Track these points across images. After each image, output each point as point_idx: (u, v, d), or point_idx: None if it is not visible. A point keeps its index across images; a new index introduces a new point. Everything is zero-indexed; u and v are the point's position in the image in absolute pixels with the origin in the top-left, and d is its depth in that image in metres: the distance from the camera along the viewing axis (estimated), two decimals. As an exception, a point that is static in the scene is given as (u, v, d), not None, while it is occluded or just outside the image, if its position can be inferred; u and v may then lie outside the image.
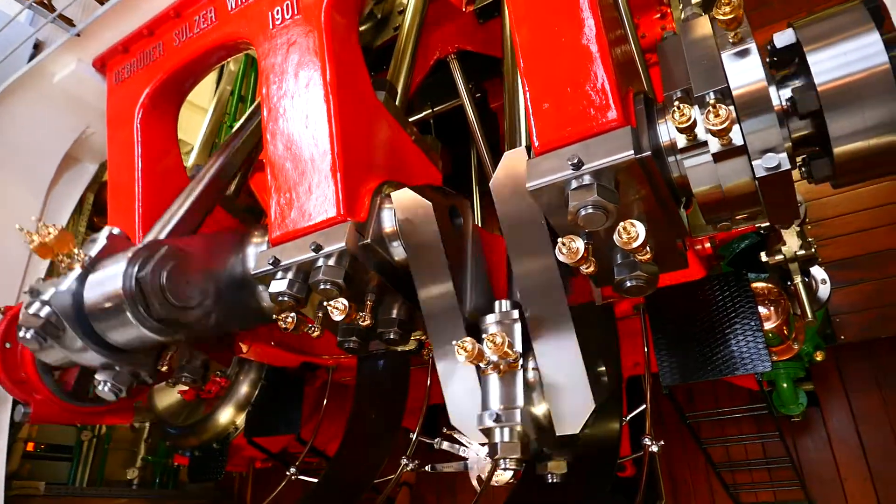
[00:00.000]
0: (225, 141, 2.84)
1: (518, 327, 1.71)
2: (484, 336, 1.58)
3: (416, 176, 2.33)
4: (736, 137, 1.31)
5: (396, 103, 2.65)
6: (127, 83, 2.69)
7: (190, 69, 2.60)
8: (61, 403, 2.57)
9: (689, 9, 1.63)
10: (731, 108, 1.31)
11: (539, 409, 1.65)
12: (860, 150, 1.37)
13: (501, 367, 1.64)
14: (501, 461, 1.55)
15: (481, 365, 1.63)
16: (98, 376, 1.97)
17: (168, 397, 4.25)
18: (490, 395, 1.64)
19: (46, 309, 1.84)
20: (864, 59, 1.27)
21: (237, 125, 2.95)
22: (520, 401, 1.60)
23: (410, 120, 4.28)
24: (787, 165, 1.29)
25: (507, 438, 1.56)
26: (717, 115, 1.26)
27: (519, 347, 1.67)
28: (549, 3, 1.58)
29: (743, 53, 1.34)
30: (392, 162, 2.17)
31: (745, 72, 1.32)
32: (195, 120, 6.13)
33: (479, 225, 3.66)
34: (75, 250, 1.92)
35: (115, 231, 2.11)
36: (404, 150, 2.30)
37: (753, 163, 1.32)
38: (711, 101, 1.30)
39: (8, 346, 2.51)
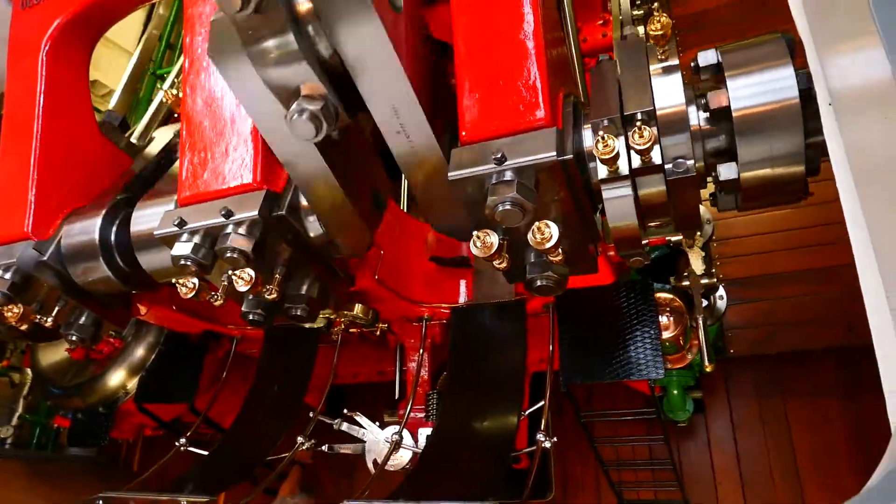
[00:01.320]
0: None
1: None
2: None
3: (342, 151, 2.27)
4: (656, 157, 1.38)
5: (330, 73, 2.57)
6: (35, 11, 2.46)
7: (109, 5, 2.41)
8: None
9: (627, 27, 1.68)
10: (655, 128, 1.36)
11: None
12: (765, 177, 1.44)
13: None
14: None
15: None
16: None
17: (54, 354, 3.97)
18: None
19: None
20: (777, 90, 1.34)
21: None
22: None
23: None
24: (693, 171, 1.38)
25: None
26: (641, 136, 1.32)
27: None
28: (492, -7, 1.57)
29: (669, 70, 1.40)
30: (317, 133, 2.10)
31: (668, 93, 1.39)
32: (118, 62, 5.73)
33: (405, 209, 3.64)
34: None
35: None
36: (332, 123, 2.22)
37: (666, 167, 1.39)
38: (639, 120, 1.35)
39: None
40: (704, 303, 3.05)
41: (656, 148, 1.36)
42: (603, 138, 1.34)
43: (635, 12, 4.50)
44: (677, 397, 3.66)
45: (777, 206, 1.61)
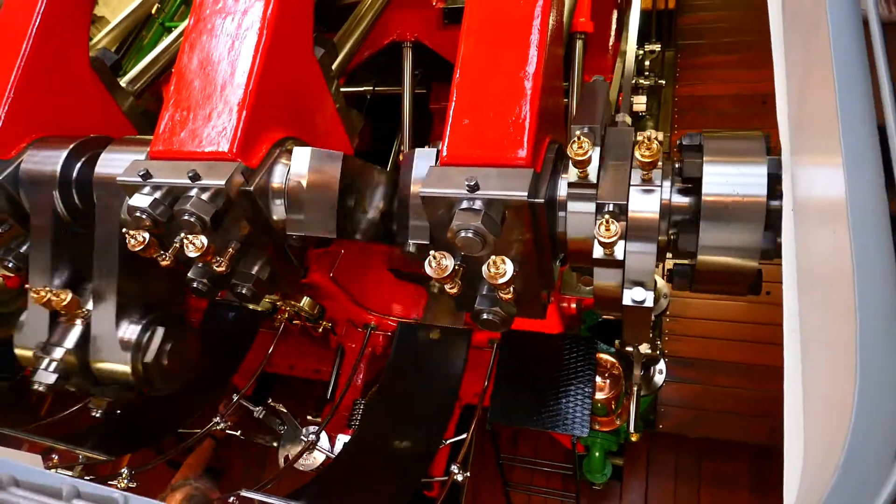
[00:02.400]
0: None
1: None
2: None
3: (327, 144, 2.26)
4: (618, 252, 1.41)
5: (333, 66, 2.57)
6: (53, -67, 2.42)
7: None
8: None
9: (620, 115, 1.71)
10: (623, 223, 1.40)
11: None
12: (720, 264, 1.48)
13: None
14: None
15: None
16: None
17: (-12, 277, 3.82)
18: None
19: None
20: (747, 185, 1.38)
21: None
22: None
23: (349, 90, 4.19)
24: (650, 303, 1.42)
25: None
26: (608, 230, 1.35)
27: None
28: (503, 28, 1.60)
29: (648, 192, 1.43)
30: (306, 120, 2.10)
31: (644, 203, 1.42)
32: (129, 3, 5.63)
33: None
34: None
35: None
36: (323, 114, 2.23)
37: (624, 291, 1.43)
38: (608, 211, 1.38)
39: None
40: (642, 372, 3.10)
41: (620, 244, 1.40)
42: (579, 139, 1.35)
43: (642, 81, 4.64)
44: (598, 459, 3.68)
45: (727, 295, 1.65)
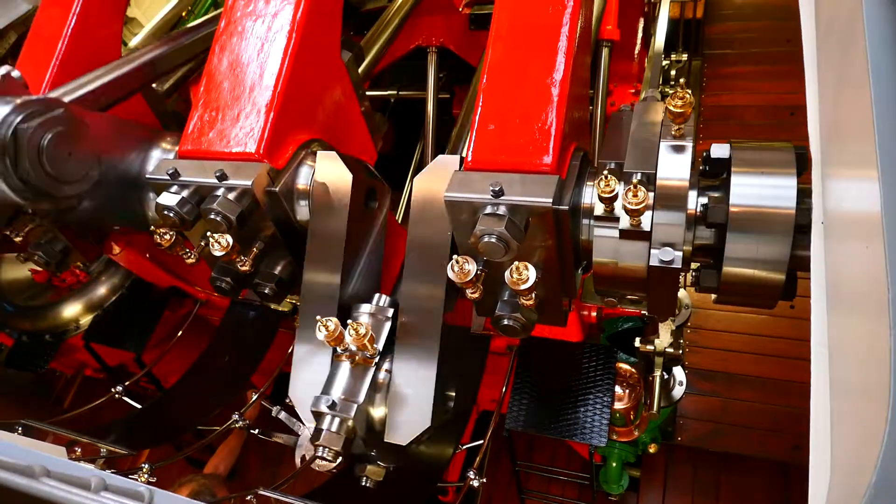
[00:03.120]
0: (174, 33, 2.66)
1: (388, 326, 1.71)
2: (349, 322, 1.57)
3: (351, 146, 2.28)
4: (645, 222, 1.37)
5: (360, 70, 2.59)
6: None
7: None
8: None
9: (649, 91, 1.70)
10: (651, 194, 1.37)
11: (377, 412, 1.66)
12: (745, 276, 1.46)
13: (356, 358, 1.65)
14: (320, 449, 1.56)
15: (338, 349, 1.63)
16: None
17: (17, 271, 3.91)
18: (335, 381, 1.64)
19: None
20: (776, 197, 1.36)
21: (194, 22, 2.80)
22: (361, 397, 1.60)
23: (374, 94, 4.22)
24: (679, 263, 1.37)
25: (333, 428, 1.57)
26: (635, 196, 1.32)
27: (381, 346, 1.66)
28: (531, 34, 1.60)
29: (679, 149, 1.39)
30: (331, 123, 2.11)
31: (674, 166, 1.38)
32: (160, 4, 5.76)
33: (399, 220, 3.65)
34: None
35: (15, 73, 1.90)
36: (348, 117, 2.24)
37: (651, 251, 1.38)
38: (635, 181, 1.35)
39: None
40: (666, 376, 3.05)
41: (647, 213, 1.36)
42: (606, 177, 1.35)
43: (668, 90, 4.60)
44: (615, 470, 3.64)
45: (751, 307, 1.62)
